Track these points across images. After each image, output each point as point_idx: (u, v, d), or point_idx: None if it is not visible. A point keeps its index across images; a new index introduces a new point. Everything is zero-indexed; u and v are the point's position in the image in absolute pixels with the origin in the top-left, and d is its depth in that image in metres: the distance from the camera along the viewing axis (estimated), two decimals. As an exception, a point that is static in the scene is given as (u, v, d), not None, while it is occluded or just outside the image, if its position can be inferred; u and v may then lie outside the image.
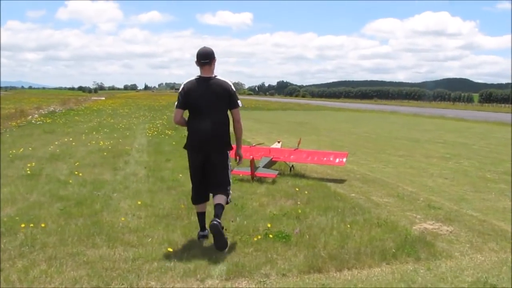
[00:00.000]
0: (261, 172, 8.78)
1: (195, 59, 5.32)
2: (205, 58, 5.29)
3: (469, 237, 5.91)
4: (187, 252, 4.96)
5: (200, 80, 5.34)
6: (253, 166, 8.54)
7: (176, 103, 5.48)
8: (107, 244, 5.12)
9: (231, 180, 5.60)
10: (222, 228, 5.14)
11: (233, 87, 5.41)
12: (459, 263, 4.99)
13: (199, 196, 5.58)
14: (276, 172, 8.95)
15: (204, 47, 5.40)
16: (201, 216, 5.58)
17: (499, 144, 18.32)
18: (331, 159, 9.71)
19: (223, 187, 5.47)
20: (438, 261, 5.02)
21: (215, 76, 5.35)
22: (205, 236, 5.45)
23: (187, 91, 5.34)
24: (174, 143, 14.16)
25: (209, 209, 5.61)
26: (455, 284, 4.44)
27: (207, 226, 5.39)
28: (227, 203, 5.49)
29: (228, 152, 5.50)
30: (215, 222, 4.96)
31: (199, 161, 5.41)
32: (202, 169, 5.45)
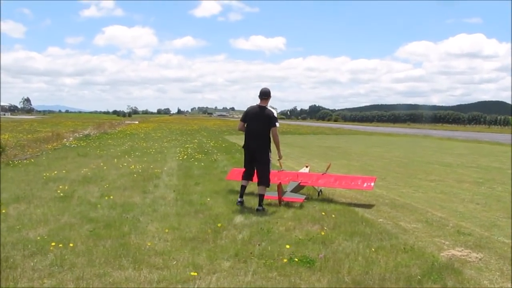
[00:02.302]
0: (288, 196, 8.79)
1: (259, 94, 8.54)
2: (264, 95, 8.51)
3: (500, 265, 5.78)
4: (211, 275, 5.00)
5: (256, 107, 8.56)
6: (280, 190, 8.57)
7: (241, 117, 8.90)
8: (133, 266, 5.20)
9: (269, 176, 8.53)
10: (263, 209, 8.13)
11: (275, 114, 8.47)
12: (488, 292, 4.89)
13: (245, 176, 8.72)
14: (304, 197, 8.95)
15: (265, 87, 8.58)
16: (243, 188, 8.72)
17: (537, 169, 17.84)
18: (359, 183, 9.65)
19: (264, 179, 8.42)
20: (465, 289, 4.93)
21: (266, 107, 8.48)
22: (241, 202, 8.52)
23: (248, 111, 8.65)
24: (203, 165, 14.30)
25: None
26: (482, 313, 4.35)
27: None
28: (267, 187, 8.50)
29: (268, 153, 8.42)
30: (259, 208, 8.17)
31: (249, 156, 8.58)
32: (250, 162, 8.57)
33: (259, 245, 6.06)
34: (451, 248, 6.42)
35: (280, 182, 8.64)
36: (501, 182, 13.39)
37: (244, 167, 8.76)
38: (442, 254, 6.10)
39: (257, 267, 5.28)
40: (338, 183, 9.81)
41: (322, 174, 10.09)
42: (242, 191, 8.69)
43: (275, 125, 8.40)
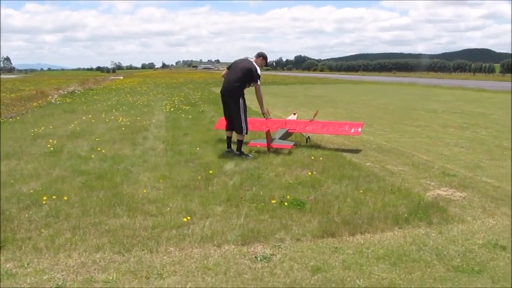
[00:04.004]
0: (277, 143, 8.90)
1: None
2: (257, 55, 8.82)
3: (482, 202, 6.00)
4: (204, 220, 5.14)
5: (244, 59, 8.74)
6: (269, 137, 8.67)
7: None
8: (128, 214, 5.31)
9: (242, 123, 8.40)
10: (241, 154, 8.38)
11: (259, 71, 8.53)
12: (470, 227, 5.09)
13: (228, 127, 8.66)
14: (292, 143, 9.07)
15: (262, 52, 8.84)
16: (228, 139, 8.76)
17: (519, 113, 18.11)
18: (347, 129, 9.77)
19: (237, 126, 8.43)
20: (450, 225, 5.13)
21: (253, 62, 8.58)
22: (229, 152, 8.53)
23: (234, 61, 8.78)
24: (191, 117, 14.35)
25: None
26: (465, 246, 4.55)
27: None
28: (245, 134, 8.54)
29: (239, 101, 8.30)
30: (237, 152, 8.41)
31: (225, 105, 8.57)
32: (228, 111, 8.53)
33: (247, 190, 6.20)
34: (437, 188, 6.62)
35: (268, 130, 8.72)
36: (484, 127, 13.62)
37: (225, 117, 8.78)
38: (428, 194, 6.29)
39: (249, 210, 5.42)
40: (326, 129, 9.92)
41: (310, 121, 10.18)
42: (228, 142, 8.77)
43: (257, 82, 8.47)
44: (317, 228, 4.90)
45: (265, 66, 9.03)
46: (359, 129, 9.61)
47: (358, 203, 5.72)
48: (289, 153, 8.68)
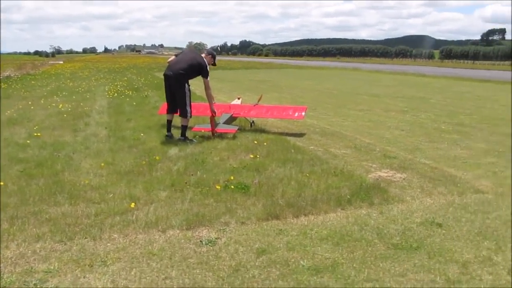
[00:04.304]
0: (221, 128, 8.89)
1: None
2: (208, 52, 8.97)
3: (421, 182, 6.22)
4: (148, 205, 5.07)
5: (195, 51, 8.96)
6: (213, 122, 8.64)
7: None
8: (69, 202, 5.16)
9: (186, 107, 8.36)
10: (185, 139, 8.30)
11: (207, 64, 8.54)
12: (409, 206, 5.27)
13: (169, 110, 8.63)
14: (236, 128, 9.08)
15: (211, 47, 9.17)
16: (169, 122, 8.65)
17: (456, 98, 18.88)
18: (291, 113, 9.86)
19: (182, 110, 8.36)
20: (390, 205, 5.29)
21: (204, 57, 8.63)
22: (170, 136, 8.49)
23: (183, 51, 9.12)
24: (134, 103, 14.10)
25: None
26: (405, 224, 4.71)
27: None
28: (189, 118, 8.46)
29: (184, 85, 8.27)
30: (181, 137, 8.34)
31: (168, 89, 8.45)
32: (171, 95, 8.46)
33: (192, 175, 6.17)
34: (378, 170, 6.80)
35: (212, 114, 8.68)
36: (424, 110, 14.09)
37: (166, 100, 8.70)
38: (369, 175, 6.46)
39: (193, 195, 5.40)
40: (270, 113, 9.99)
41: (254, 106, 10.21)
42: (169, 126, 8.68)
43: (207, 78, 8.52)
44: (261, 211, 4.94)
45: (211, 65, 8.97)
46: (303, 113, 9.72)
47: (302, 185, 5.80)
48: (234, 137, 8.68)
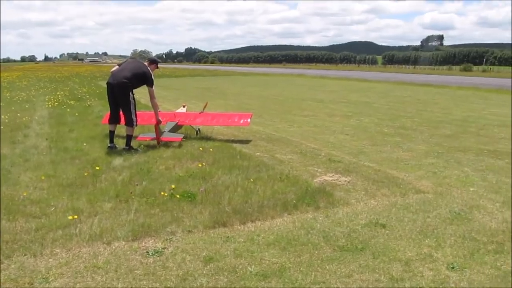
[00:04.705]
0: (166, 136, 8.81)
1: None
2: (151, 60, 8.84)
3: (365, 185, 6.35)
4: (92, 218, 4.95)
5: (138, 60, 8.81)
6: (158, 130, 8.55)
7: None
8: (7, 218, 4.94)
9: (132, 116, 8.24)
10: (130, 148, 8.16)
11: (151, 73, 8.42)
12: (354, 209, 5.38)
13: (111, 120, 8.41)
14: (182, 136, 9.02)
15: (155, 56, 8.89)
16: (111, 133, 8.40)
17: (398, 102, 19.46)
18: (236, 120, 9.89)
19: (127, 119, 8.23)
20: (335, 208, 5.38)
21: (148, 66, 8.50)
22: (112, 147, 8.25)
23: (126, 60, 8.90)
24: (77, 113, 13.77)
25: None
26: (350, 227, 4.80)
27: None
28: (135, 127, 8.37)
29: (128, 94, 8.11)
30: (126, 147, 8.18)
31: (112, 97, 8.28)
32: (114, 104, 8.29)
33: (137, 185, 6.07)
34: (323, 174, 6.90)
35: (156, 123, 8.59)
36: (367, 115, 14.42)
37: (110, 109, 8.52)
38: (315, 180, 6.55)
39: (139, 205, 5.31)
40: (216, 120, 9.99)
41: (200, 113, 10.18)
42: (111, 136, 8.46)
43: (151, 86, 8.36)
44: (208, 219, 4.92)
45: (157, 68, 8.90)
46: (248, 120, 9.76)
47: (248, 192, 5.81)
48: (179, 145, 8.62)
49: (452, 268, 3.93)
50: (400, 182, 6.50)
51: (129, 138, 8.27)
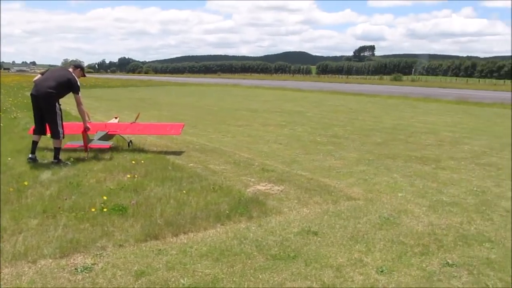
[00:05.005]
0: (94, 143, 8.68)
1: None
2: (75, 65, 8.54)
3: (298, 194, 6.45)
4: (17, 235, 4.73)
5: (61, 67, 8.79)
6: (85, 138, 8.35)
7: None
8: None
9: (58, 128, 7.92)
10: (58, 162, 7.86)
11: (78, 82, 8.16)
12: (287, 217, 5.44)
13: (36, 131, 8.15)
14: (110, 143, 8.94)
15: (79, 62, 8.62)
16: (34, 144, 8.08)
17: (331, 111, 19.93)
18: (167, 129, 9.96)
19: (53, 132, 7.94)
20: (268, 217, 5.43)
21: (72, 72, 8.17)
22: (33, 159, 7.94)
23: (49, 69, 8.65)
24: (2, 125, 13.19)
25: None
26: (283, 235, 4.85)
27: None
28: (62, 139, 8.05)
29: (55, 105, 7.84)
30: (54, 161, 7.89)
31: (36, 108, 8.02)
32: (39, 115, 8.02)
33: (66, 199, 5.86)
34: (256, 184, 6.95)
35: (84, 130, 8.37)
36: (301, 124, 14.67)
37: (34, 120, 8.20)
38: (248, 190, 6.58)
39: (67, 220, 5.13)
40: (147, 130, 9.93)
41: (131, 124, 10.04)
42: (33, 147, 8.10)
43: (78, 93, 8.10)
44: (140, 232, 4.83)
45: (82, 77, 8.63)
46: (180, 129, 9.78)
47: (181, 203, 5.76)
48: (110, 158, 8.41)
49: (381, 271, 4.05)
50: (332, 190, 6.64)
51: (57, 151, 8.00)
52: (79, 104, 8.23)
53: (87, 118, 8.55)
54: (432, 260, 4.33)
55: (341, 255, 4.39)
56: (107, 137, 9.29)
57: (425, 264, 4.25)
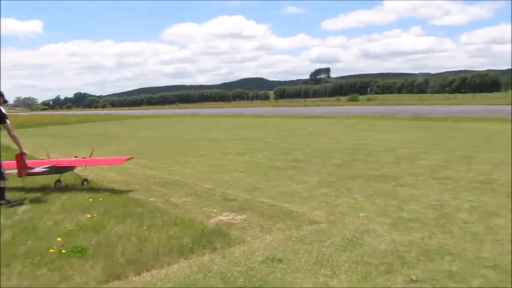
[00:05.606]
0: (34, 170, 8.70)
1: None
2: None
3: (260, 221, 6.41)
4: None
5: None
6: (20, 163, 8.21)
7: None
8: None
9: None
10: (7, 202, 7.67)
11: (3, 110, 7.94)
12: (251, 246, 5.40)
13: None
14: (51, 165, 9.08)
15: None
16: None
17: (290, 135, 20.12)
18: (112, 160, 10.40)
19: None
20: (232, 248, 5.37)
21: None
22: None
23: None
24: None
25: None
26: (247, 265, 4.79)
27: None
28: (6, 179, 7.90)
29: None
30: (2, 202, 7.64)
31: None
32: None
33: (21, 245, 5.63)
34: (219, 214, 6.88)
35: (20, 154, 8.19)
36: (261, 150, 14.69)
37: None
38: (210, 221, 6.50)
39: (22, 267, 4.91)
40: (91, 161, 10.05)
41: (75, 157, 10.27)
42: None
43: (6, 122, 7.93)
44: (101, 273, 4.68)
45: (4, 103, 8.30)
46: (124, 159, 9.97)
47: (142, 240, 5.64)
48: (69, 198, 8.20)
49: (347, 294, 4.03)
50: (294, 215, 6.64)
51: (1, 191, 7.78)
52: (10, 130, 8.01)
53: (21, 143, 8.28)
54: (396, 278, 4.35)
55: (306, 280, 4.36)
56: (54, 169, 9.20)
57: (390, 282, 4.27)
